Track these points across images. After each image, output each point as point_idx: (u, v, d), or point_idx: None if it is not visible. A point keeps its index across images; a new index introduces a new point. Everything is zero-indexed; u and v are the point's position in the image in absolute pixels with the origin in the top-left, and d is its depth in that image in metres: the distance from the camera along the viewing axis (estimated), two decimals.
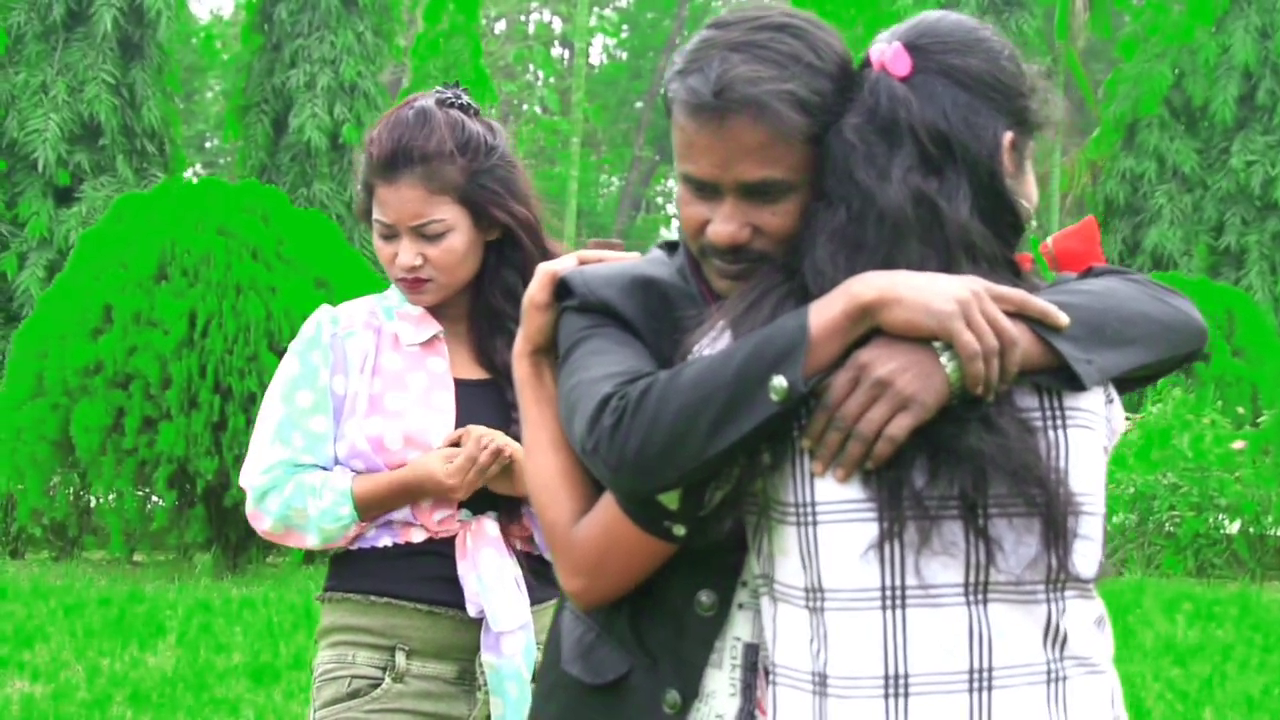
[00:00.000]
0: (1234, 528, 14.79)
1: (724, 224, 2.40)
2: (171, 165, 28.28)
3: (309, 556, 13.15)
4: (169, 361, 12.56)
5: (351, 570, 3.61)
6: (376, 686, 3.53)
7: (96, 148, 27.13)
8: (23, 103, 26.91)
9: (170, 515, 13.20)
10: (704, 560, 2.43)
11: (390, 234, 3.58)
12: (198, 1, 54.73)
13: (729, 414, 2.21)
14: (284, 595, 12.14)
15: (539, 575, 3.59)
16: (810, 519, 2.28)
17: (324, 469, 3.56)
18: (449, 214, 3.55)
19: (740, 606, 2.45)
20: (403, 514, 3.55)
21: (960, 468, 2.22)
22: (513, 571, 3.52)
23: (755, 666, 2.41)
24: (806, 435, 2.26)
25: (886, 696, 2.24)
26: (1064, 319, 2.28)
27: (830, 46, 2.41)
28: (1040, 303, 2.28)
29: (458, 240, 3.56)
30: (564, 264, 2.60)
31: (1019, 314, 2.26)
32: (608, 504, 2.42)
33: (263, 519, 3.57)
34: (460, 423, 3.55)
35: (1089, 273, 2.52)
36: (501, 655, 3.47)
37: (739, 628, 2.44)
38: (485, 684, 3.51)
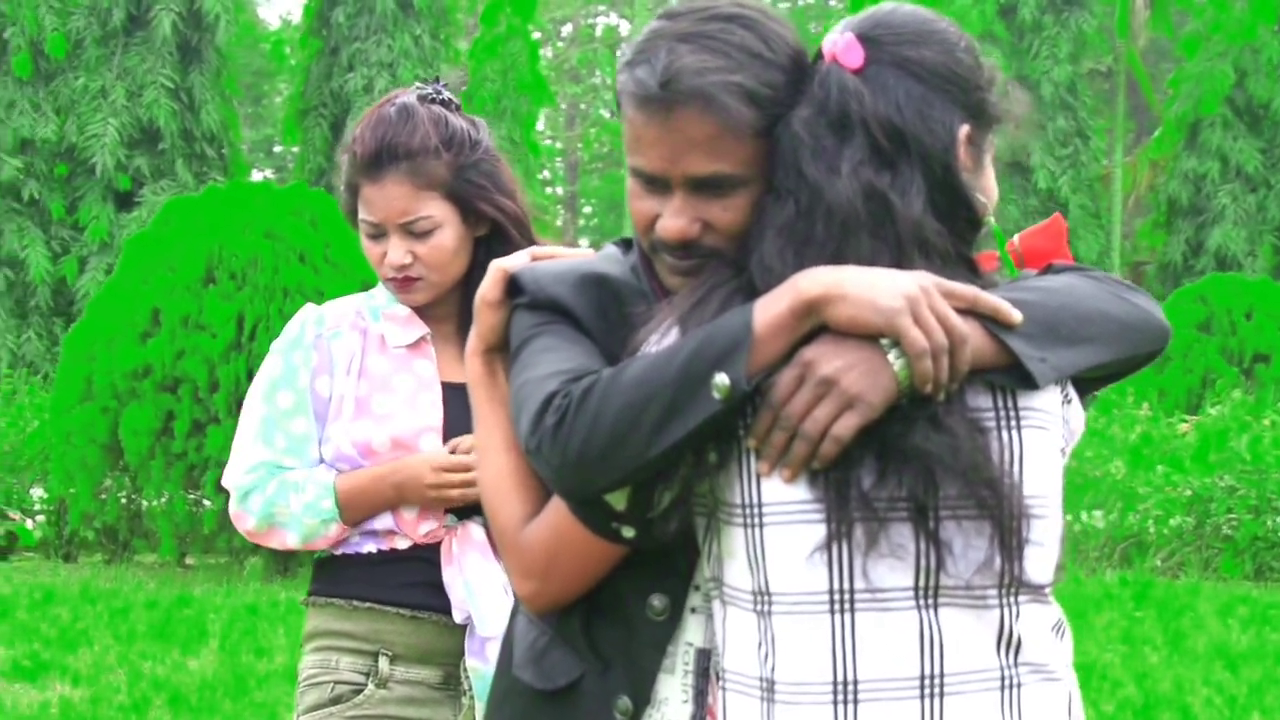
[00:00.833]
0: None
1: (673, 219, 2.35)
2: (231, 169, 28.41)
3: None
4: (217, 365, 12.60)
5: (335, 575, 3.58)
6: (359, 692, 3.50)
7: (156, 152, 27.34)
8: (82, 107, 27.17)
9: (220, 519, 13.22)
10: (656, 563, 2.38)
11: (377, 233, 3.54)
12: (268, 6, 55.05)
13: (671, 413, 2.16)
14: None
15: None
16: (757, 520, 2.23)
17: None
18: (437, 210, 3.50)
19: (693, 611, 2.40)
20: (386, 524, 3.51)
21: (908, 468, 2.16)
22: (498, 576, 3.48)
23: (708, 672, 2.37)
24: (751, 435, 2.21)
25: (835, 703, 2.19)
26: (1017, 316, 2.21)
27: (782, 38, 2.35)
28: (992, 299, 2.22)
29: (446, 237, 3.52)
30: (516, 261, 2.55)
31: (971, 311, 2.20)
32: (557, 506, 2.37)
33: (246, 518, 3.54)
34: (448, 426, 3.51)
35: (1049, 269, 2.46)
36: (486, 660, 3.42)
37: (691, 632, 2.39)
38: (470, 689, 3.47)
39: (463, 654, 3.48)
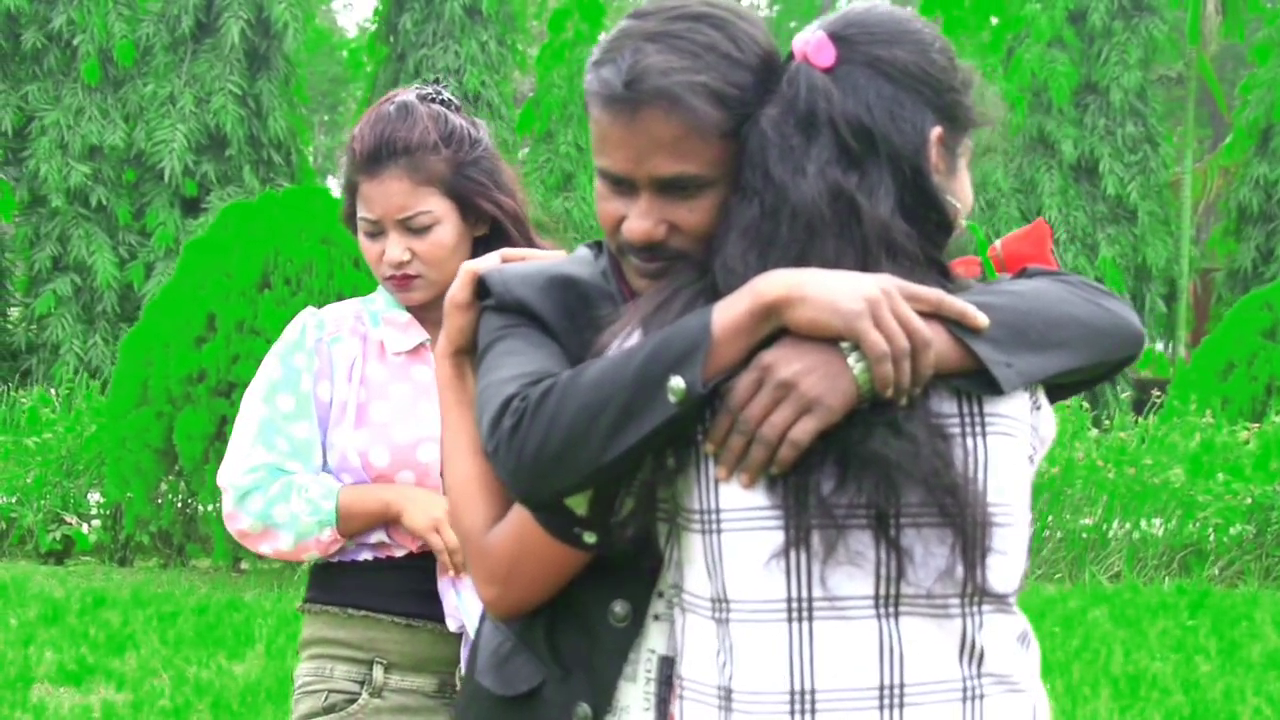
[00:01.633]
0: None
1: (639, 220, 2.32)
2: (298, 175, 28.49)
3: None
4: None
5: (331, 582, 3.55)
6: (353, 701, 3.47)
7: (223, 158, 27.44)
8: (150, 114, 27.30)
9: None
10: (619, 570, 2.35)
11: (376, 230, 3.50)
12: (345, 13, 55.38)
13: (627, 416, 2.13)
14: None
15: None
16: (715, 526, 2.19)
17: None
18: (435, 206, 3.46)
19: (656, 618, 2.37)
20: (379, 535, 3.48)
21: (868, 474, 2.12)
22: None
23: (670, 680, 2.33)
24: (709, 439, 2.17)
25: (793, 713, 2.15)
26: (983, 320, 2.17)
27: (752, 38, 2.32)
28: (958, 303, 2.17)
29: (445, 233, 3.48)
30: (486, 263, 2.53)
31: (935, 314, 2.16)
32: (520, 511, 2.35)
33: (241, 519, 3.50)
34: None
35: (1022, 273, 2.41)
36: None
37: (654, 640, 2.36)
38: None
39: (457, 662, 3.46)
